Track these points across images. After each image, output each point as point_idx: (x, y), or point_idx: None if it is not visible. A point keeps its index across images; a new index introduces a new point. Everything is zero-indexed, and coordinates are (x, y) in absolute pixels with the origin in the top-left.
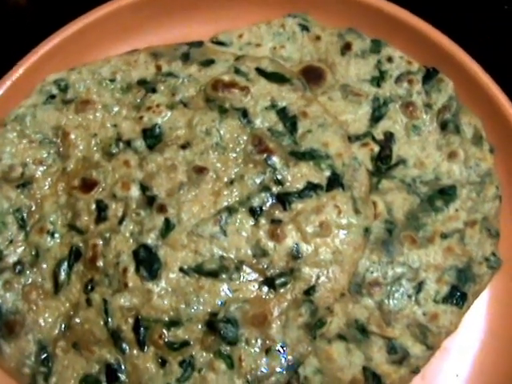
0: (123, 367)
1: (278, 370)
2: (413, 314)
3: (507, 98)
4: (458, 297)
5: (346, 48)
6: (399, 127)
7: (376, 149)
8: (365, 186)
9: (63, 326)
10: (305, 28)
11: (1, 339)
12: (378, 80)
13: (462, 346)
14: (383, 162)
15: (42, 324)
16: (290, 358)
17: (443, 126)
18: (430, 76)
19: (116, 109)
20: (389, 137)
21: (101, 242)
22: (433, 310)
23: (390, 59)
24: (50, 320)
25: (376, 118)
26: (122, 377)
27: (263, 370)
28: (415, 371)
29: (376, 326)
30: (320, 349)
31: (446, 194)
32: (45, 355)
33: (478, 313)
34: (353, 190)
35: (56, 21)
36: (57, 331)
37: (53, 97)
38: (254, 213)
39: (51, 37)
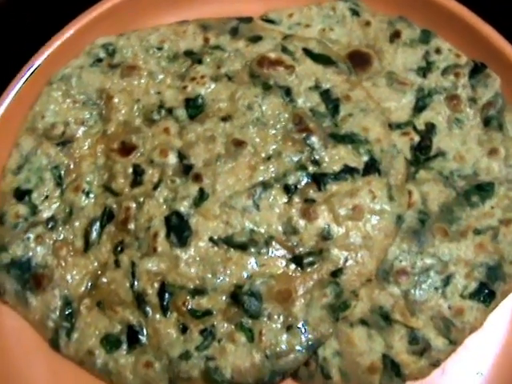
0: (144, 330)
1: (298, 348)
2: (438, 307)
3: None
4: (486, 294)
5: (395, 36)
6: (442, 119)
7: (416, 138)
8: (401, 173)
9: (90, 284)
10: (355, 13)
11: (28, 291)
12: (425, 70)
13: (485, 345)
14: (422, 153)
15: (70, 280)
16: (310, 337)
17: (486, 122)
18: (477, 70)
19: (161, 77)
20: (430, 128)
21: (134, 206)
22: (459, 305)
23: (438, 50)
24: (77, 277)
25: (419, 108)
26: (143, 339)
27: (283, 346)
28: (435, 364)
29: (400, 314)
30: (341, 332)
31: (483, 190)
32: (69, 311)
33: (504, 312)
34: (389, 177)
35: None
36: (83, 289)
37: (100, 60)
38: (289, 190)
39: (103, 1)
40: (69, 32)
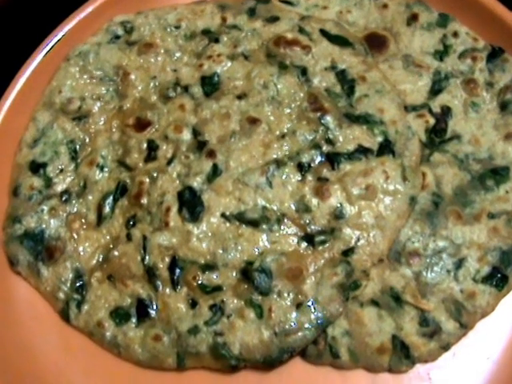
0: (154, 304)
1: (307, 325)
2: (450, 290)
3: None
4: (499, 278)
5: (413, 19)
6: (458, 102)
7: (432, 121)
8: (416, 155)
9: (101, 257)
10: None
11: (40, 263)
12: (442, 54)
13: (495, 330)
14: (437, 135)
15: (81, 253)
16: (319, 315)
17: (503, 107)
18: (494, 55)
19: (178, 54)
20: (446, 111)
21: (147, 180)
22: (471, 288)
23: (455, 34)
24: (89, 250)
25: (435, 91)
26: (152, 313)
27: (292, 323)
28: (445, 348)
29: (411, 296)
30: (351, 311)
31: (499, 174)
32: (80, 283)
33: None
34: (403, 158)
35: None
36: (94, 262)
37: (117, 37)
38: (302, 168)
39: None
40: (88, 9)
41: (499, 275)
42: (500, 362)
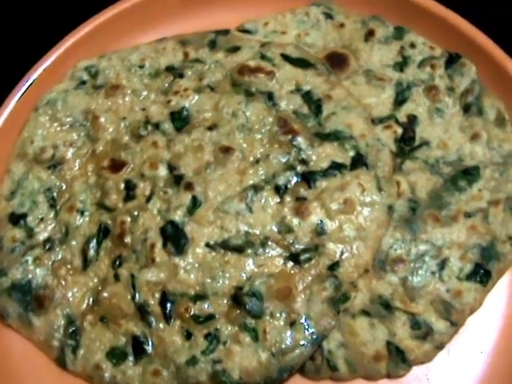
0: (149, 340)
1: (303, 342)
2: (436, 291)
3: None
4: (482, 274)
5: (370, 35)
6: (422, 110)
7: (399, 131)
8: (388, 165)
9: (91, 300)
10: (329, 16)
11: (30, 313)
12: (401, 65)
13: (486, 324)
14: (406, 144)
15: (71, 298)
16: (313, 331)
17: (466, 109)
18: (452, 61)
19: (145, 93)
20: (412, 119)
21: (129, 219)
22: (456, 287)
23: (412, 45)
24: (78, 295)
25: (399, 101)
26: (149, 349)
27: (288, 342)
28: (439, 347)
29: (400, 301)
30: (344, 323)
31: (469, 174)
32: (73, 328)
33: (502, 290)
34: (376, 170)
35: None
36: (85, 305)
37: (83, 82)
38: (279, 190)
39: (82, 25)
40: (50, 59)
41: (482, 271)
42: (493, 355)
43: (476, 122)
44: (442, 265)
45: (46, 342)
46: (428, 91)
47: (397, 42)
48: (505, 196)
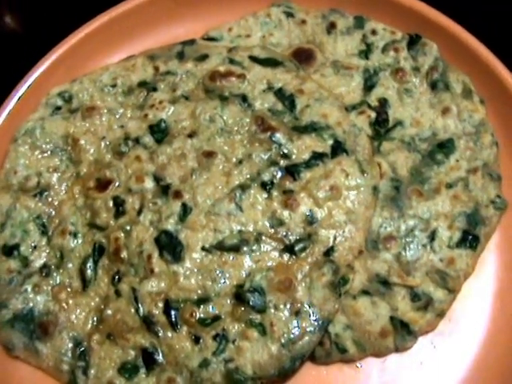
0: (159, 350)
1: (309, 329)
2: (430, 262)
3: (490, 51)
4: (471, 240)
5: (331, 27)
6: (392, 92)
7: (373, 115)
8: (367, 148)
9: (95, 319)
10: (290, 14)
11: (36, 341)
12: (366, 52)
13: (480, 288)
14: (381, 126)
15: (75, 321)
16: (318, 316)
17: (433, 86)
18: (413, 42)
19: (121, 111)
20: (383, 102)
21: (122, 235)
22: (449, 255)
23: (373, 32)
24: (81, 316)
25: (368, 87)
26: (159, 359)
27: (295, 331)
28: (441, 314)
29: (397, 277)
30: (346, 306)
31: (445, 147)
32: (81, 350)
33: (492, 251)
34: (356, 154)
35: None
36: (90, 326)
37: (58, 108)
38: (266, 186)
39: (50, 52)
40: (22, 88)
41: (470, 237)
42: (492, 316)
43: (444, 97)
44: (432, 236)
45: (55, 367)
46: (395, 74)
47: (358, 31)
48: (481, 163)
